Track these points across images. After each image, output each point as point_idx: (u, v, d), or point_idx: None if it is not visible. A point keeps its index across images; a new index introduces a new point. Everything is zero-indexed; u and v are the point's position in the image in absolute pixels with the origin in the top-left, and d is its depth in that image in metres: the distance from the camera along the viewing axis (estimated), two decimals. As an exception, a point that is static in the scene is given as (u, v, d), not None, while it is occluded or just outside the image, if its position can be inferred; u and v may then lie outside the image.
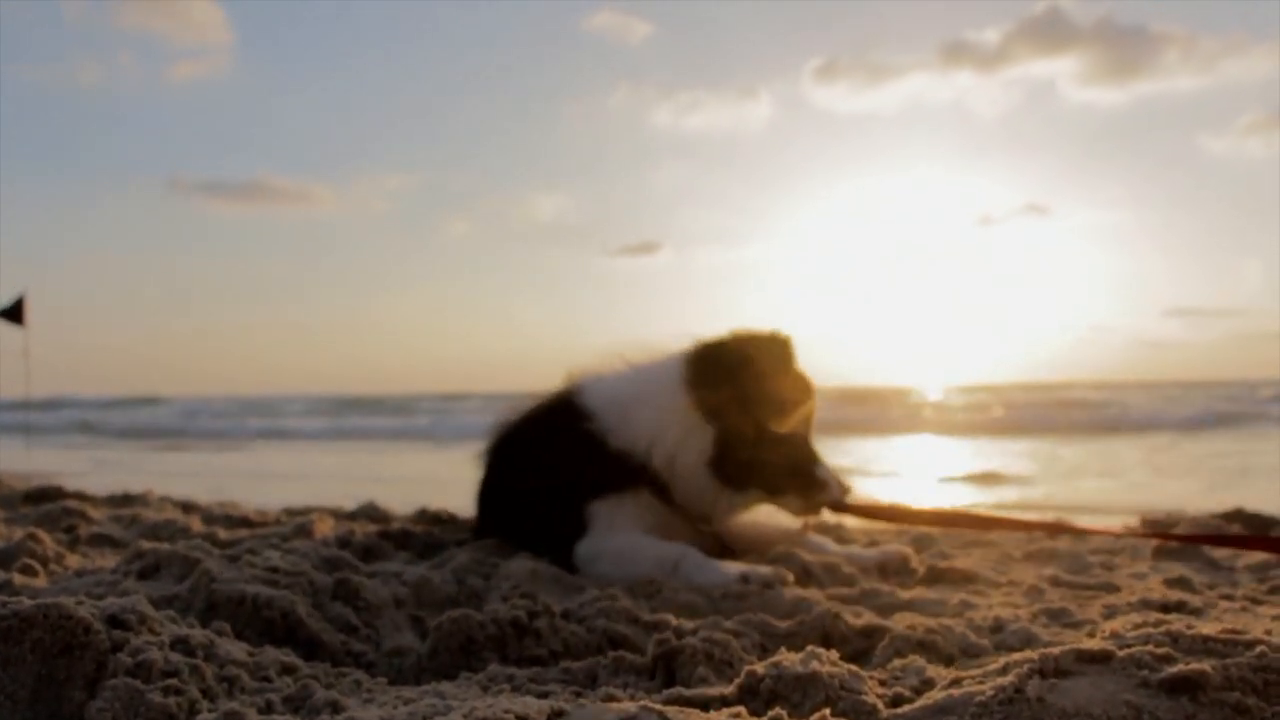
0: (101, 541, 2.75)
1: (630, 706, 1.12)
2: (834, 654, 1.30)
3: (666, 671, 1.52)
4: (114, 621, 1.35)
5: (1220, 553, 2.76)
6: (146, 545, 2.14)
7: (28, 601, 1.30)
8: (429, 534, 2.86)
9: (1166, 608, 1.96)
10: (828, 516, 2.80)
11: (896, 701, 1.25)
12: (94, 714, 1.21)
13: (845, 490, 2.56)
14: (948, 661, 1.58)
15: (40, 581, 2.02)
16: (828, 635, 1.75)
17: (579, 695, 1.44)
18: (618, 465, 2.51)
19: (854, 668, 1.27)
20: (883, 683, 1.40)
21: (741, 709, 1.16)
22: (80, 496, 3.71)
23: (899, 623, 1.77)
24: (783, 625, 1.77)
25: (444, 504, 3.36)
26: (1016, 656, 1.17)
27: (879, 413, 18.43)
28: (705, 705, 1.23)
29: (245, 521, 3.28)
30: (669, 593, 2.09)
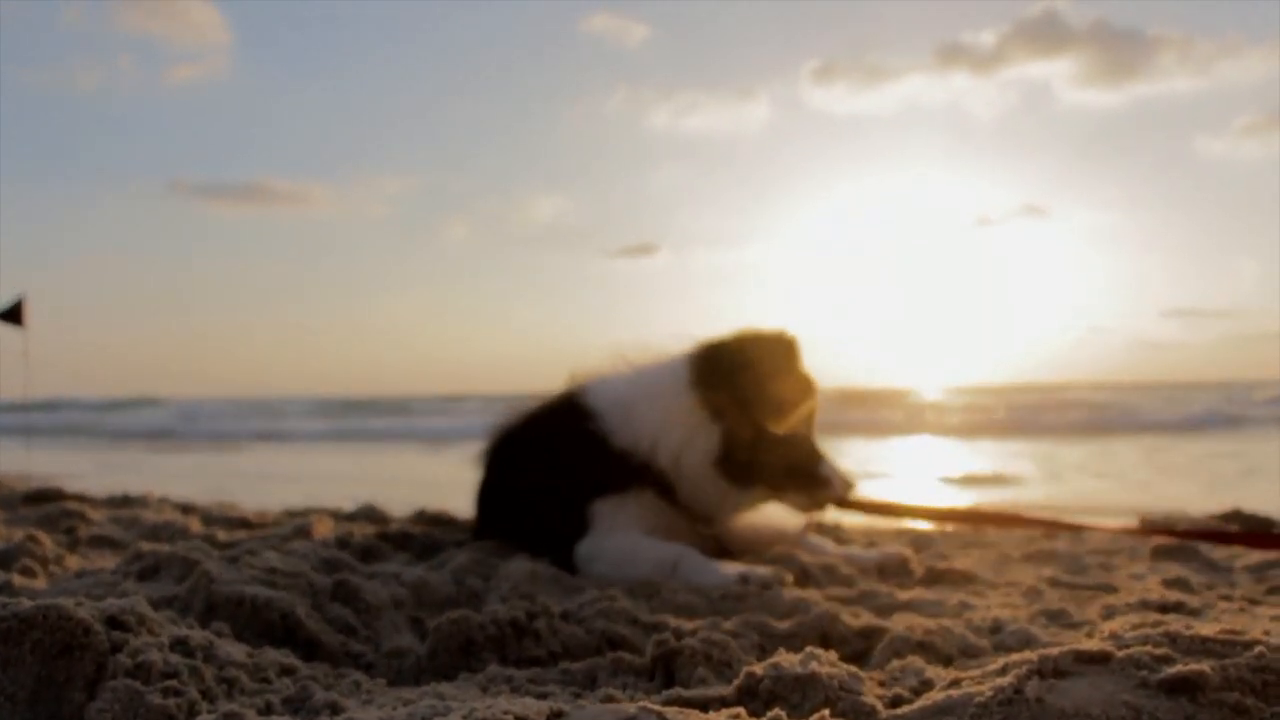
0: (101, 543, 2.75)
1: (629, 707, 1.12)
2: (833, 655, 1.30)
3: (665, 672, 1.52)
4: (113, 623, 1.35)
5: (1219, 553, 2.76)
6: (146, 546, 2.14)
7: (27, 603, 1.30)
8: (428, 535, 2.86)
9: (1165, 608, 1.96)
10: (828, 516, 2.81)
11: (895, 702, 1.25)
12: (94, 715, 1.21)
13: (849, 486, 2.57)
14: (946, 662, 1.58)
15: (40, 583, 2.02)
16: (826, 636, 1.75)
17: (578, 696, 1.44)
18: (621, 465, 2.51)
19: (853, 668, 1.27)
20: (882, 683, 1.40)
21: (740, 710, 1.16)
22: (80, 498, 3.71)
23: (898, 623, 1.77)
24: (782, 626, 1.77)
25: (443, 505, 3.37)
26: (1015, 657, 1.17)
27: (877, 414, 18.43)
28: (704, 706, 1.23)
29: (244, 523, 3.28)
30: (668, 593, 2.09)
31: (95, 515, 3.10)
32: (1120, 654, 1.11)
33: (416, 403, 27.12)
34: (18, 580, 1.94)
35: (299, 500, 4.57)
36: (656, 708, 1.11)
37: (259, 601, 1.74)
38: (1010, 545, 3.16)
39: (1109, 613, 1.96)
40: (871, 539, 3.15)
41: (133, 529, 2.96)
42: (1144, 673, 1.07)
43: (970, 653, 1.64)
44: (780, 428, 2.49)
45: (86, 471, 8.77)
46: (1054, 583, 2.41)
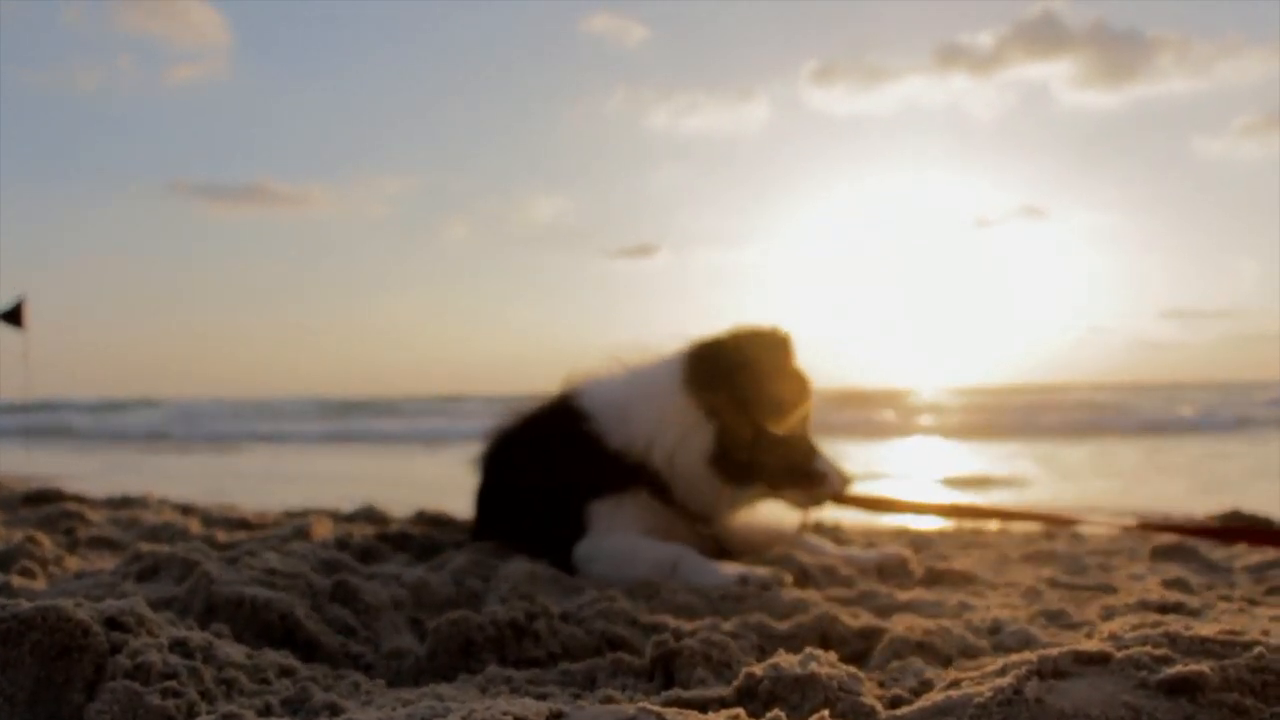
0: (100, 544, 2.75)
1: (629, 708, 1.12)
2: (832, 655, 1.30)
3: (665, 673, 1.52)
4: (113, 624, 1.35)
5: (1218, 554, 2.76)
6: (145, 547, 2.14)
7: (26, 604, 1.30)
8: (427, 536, 2.86)
9: (1164, 609, 1.96)
10: (827, 516, 2.81)
11: (895, 703, 1.25)
12: (93, 716, 1.21)
13: (846, 482, 2.57)
14: (946, 663, 1.58)
15: (39, 584, 2.02)
16: (826, 637, 1.75)
17: (577, 697, 1.44)
18: (617, 465, 2.51)
19: (852, 669, 1.27)
20: (881, 684, 1.40)
21: (740, 710, 1.16)
22: (79, 499, 3.70)
23: (897, 624, 1.77)
24: (781, 627, 1.77)
25: (442, 506, 3.37)
26: (1015, 658, 1.17)
27: (876, 414, 18.44)
28: (704, 707, 1.23)
29: (244, 524, 3.28)
30: (667, 594, 2.09)
31: (94, 516, 3.10)
32: (1120, 654, 1.11)
33: (416, 403, 27.13)
34: (17, 581, 1.93)
35: (298, 501, 4.57)
36: (656, 709, 1.11)
37: (258, 602, 1.74)
38: (1009, 546, 3.16)
39: (1108, 613, 1.96)
40: (871, 540, 3.15)
41: (132, 530, 2.96)
42: (1143, 673, 1.07)
43: (970, 653, 1.64)
44: (775, 425, 2.50)
45: (86, 472, 8.77)
46: (1053, 583, 2.41)
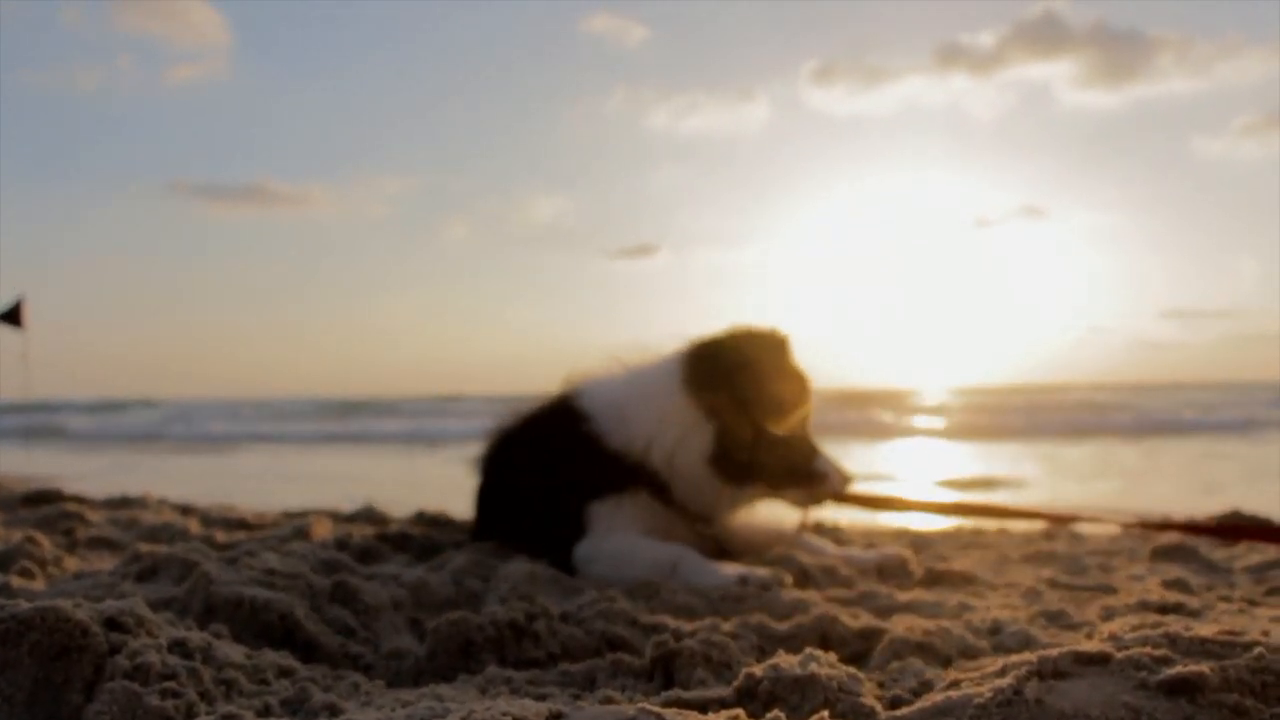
0: (100, 544, 2.75)
1: (628, 709, 1.12)
2: (832, 656, 1.30)
3: (665, 674, 1.52)
4: (112, 624, 1.35)
5: (1218, 554, 2.76)
6: (145, 548, 2.14)
7: (25, 604, 1.30)
8: (427, 536, 2.86)
9: (1164, 609, 1.96)
10: (827, 516, 2.81)
11: (895, 703, 1.25)
12: (92, 717, 1.21)
13: (846, 481, 2.57)
14: (946, 663, 1.58)
15: (38, 584, 2.02)
16: (826, 637, 1.75)
17: (577, 697, 1.44)
18: (616, 466, 2.51)
19: (852, 670, 1.27)
20: (881, 685, 1.40)
21: (740, 711, 1.16)
22: (78, 499, 3.70)
23: (897, 625, 1.77)
24: (781, 627, 1.77)
25: (442, 506, 3.37)
26: (1015, 658, 1.17)
27: (876, 415, 18.44)
28: (703, 707, 1.23)
29: (243, 524, 3.28)
30: (667, 595, 2.09)
31: (94, 516, 3.10)
32: (1120, 655, 1.11)
33: (416, 403, 27.12)
34: (16, 582, 1.93)
35: (298, 501, 4.56)
36: (656, 709, 1.11)
37: (258, 603, 1.74)
38: (1009, 546, 3.15)
39: (1108, 614, 1.95)
40: (871, 540, 3.15)
41: (131, 530, 2.96)
42: (1143, 674, 1.07)
43: (969, 654, 1.64)
44: (775, 425, 2.50)
45: (85, 473, 8.77)
46: (1053, 584, 2.40)
